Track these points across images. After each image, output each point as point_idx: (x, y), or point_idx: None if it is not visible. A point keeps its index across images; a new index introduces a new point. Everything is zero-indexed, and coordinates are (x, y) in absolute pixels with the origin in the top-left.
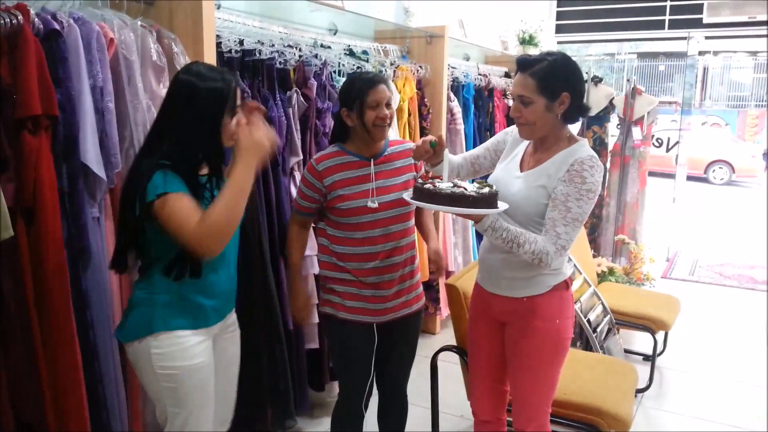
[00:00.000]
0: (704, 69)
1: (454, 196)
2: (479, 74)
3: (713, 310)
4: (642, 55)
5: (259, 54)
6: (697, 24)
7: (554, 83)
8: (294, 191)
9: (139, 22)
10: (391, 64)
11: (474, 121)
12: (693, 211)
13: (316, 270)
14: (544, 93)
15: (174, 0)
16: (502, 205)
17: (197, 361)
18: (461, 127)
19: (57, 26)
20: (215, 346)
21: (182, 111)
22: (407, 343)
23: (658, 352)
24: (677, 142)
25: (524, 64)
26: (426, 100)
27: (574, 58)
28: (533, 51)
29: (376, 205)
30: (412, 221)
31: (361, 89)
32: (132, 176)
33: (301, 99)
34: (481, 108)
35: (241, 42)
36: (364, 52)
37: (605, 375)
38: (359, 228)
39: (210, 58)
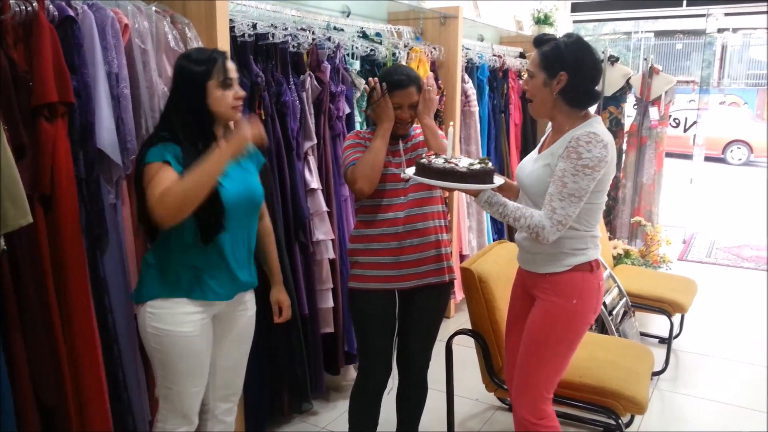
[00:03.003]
0: (723, 47)
1: (444, 170)
2: (494, 55)
3: (730, 292)
4: (659, 34)
5: (272, 38)
6: (716, 0)
7: (555, 61)
8: (308, 176)
9: (153, 7)
10: (405, 46)
11: (488, 102)
12: (710, 193)
13: (331, 255)
14: (544, 69)
15: None
16: (497, 181)
17: (185, 329)
18: (476, 109)
19: (72, 12)
20: (220, 321)
21: (175, 90)
22: (429, 318)
23: (674, 334)
24: (695, 122)
25: (538, 41)
26: (440, 82)
27: (589, 37)
28: (549, 30)
29: (408, 175)
30: (439, 192)
31: (391, 86)
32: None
33: (315, 83)
34: (495, 89)
35: (254, 26)
36: (378, 35)
37: (621, 357)
38: (386, 195)
39: (223, 42)
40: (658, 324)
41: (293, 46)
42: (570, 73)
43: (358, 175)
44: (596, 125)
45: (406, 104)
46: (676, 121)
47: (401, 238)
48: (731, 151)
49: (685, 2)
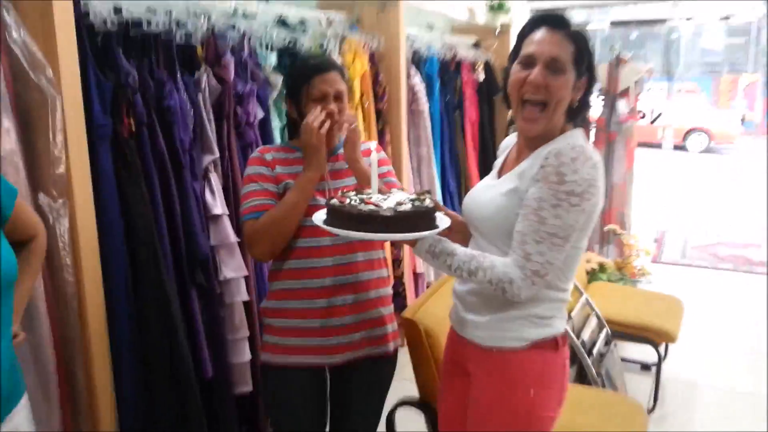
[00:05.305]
0: (676, 35)
1: (361, 216)
2: (444, 46)
3: (713, 300)
4: (614, 24)
5: (149, 25)
6: None
7: (586, 58)
8: (210, 199)
9: None
10: (336, 36)
11: (440, 99)
12: (677, 184)
13: (244, 296)
14: (576, 65)
15: None
16: (442, 222)
17: None
18: (425, 107)
19: None
20: None
21: None
22: (369, 401)
23: (656, 360)
24: (660, 114)
25: (561, 20)
26: (381, 77)
27: None
28: (504, 19)
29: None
30: None
31: (303, 76)
32: None
33: (214, 81)
34: (447, 84)
35: (117, 10)
36: (302, 22)
37: (607, 421)
38: (306, 234)
39: (66, 31)
40: (639, 346)
41: (181, 37)
42: (589, 78)
43: (259, 237)
44: (581, 139)
45: (331, 93)
46: (641, 113)
47: (330, 295)
48: (691, 138)
49: None
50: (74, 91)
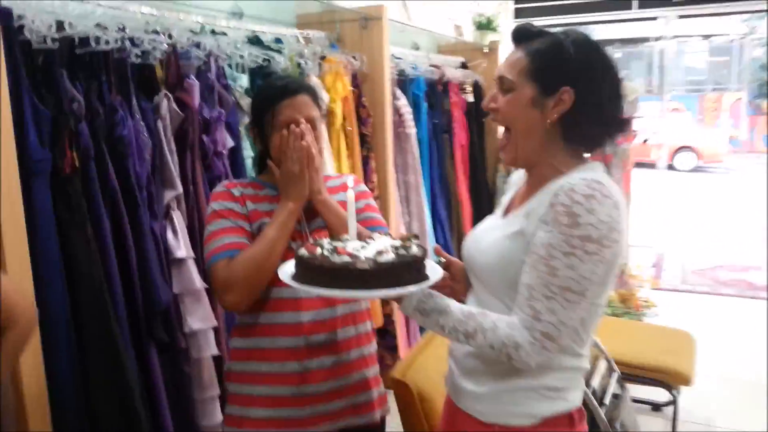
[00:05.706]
0: (660, 54)
1: (335, 269)
2: (431, 65)
3: (719, 329)
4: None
5: (98, 43)
6: (666, 2)
7: (553, 68)
8: (173, 240)
9: None
10: (314, 55)
11: (428, 122)
12: (670, 205)
13: (214, 350)
14: (535, 78)
15: None
16: (433, 274)
17: None
18: (412, 130)
19: None
20: None
21: None
22: None
23: (666, 401)
24: (654, 133)
25: (522, 33)
26: (364, 99)
27: None
28: (492, 37)
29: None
30: None
31: (267, 101)
32: None
33: (175, 107)
34: (435, 106)
35: (59, 25)
36: (278, 41)
37: None
38: (280, 282)
39: None
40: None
41: (137, 55)
42: (578, 91)
43: (235, 281)
44: (599, 173)
45: (300, 120)
46: (634, 132)
47: (305, 357)
48: (679, 157)
49: (635, 5)
50: (4, 118)
